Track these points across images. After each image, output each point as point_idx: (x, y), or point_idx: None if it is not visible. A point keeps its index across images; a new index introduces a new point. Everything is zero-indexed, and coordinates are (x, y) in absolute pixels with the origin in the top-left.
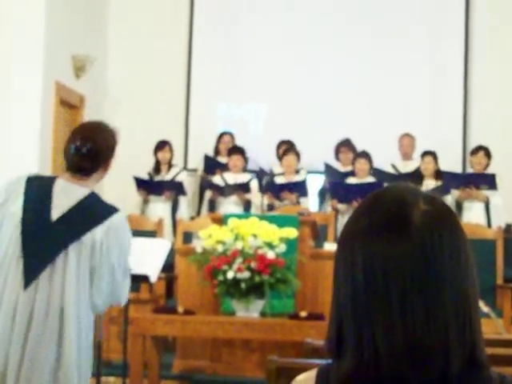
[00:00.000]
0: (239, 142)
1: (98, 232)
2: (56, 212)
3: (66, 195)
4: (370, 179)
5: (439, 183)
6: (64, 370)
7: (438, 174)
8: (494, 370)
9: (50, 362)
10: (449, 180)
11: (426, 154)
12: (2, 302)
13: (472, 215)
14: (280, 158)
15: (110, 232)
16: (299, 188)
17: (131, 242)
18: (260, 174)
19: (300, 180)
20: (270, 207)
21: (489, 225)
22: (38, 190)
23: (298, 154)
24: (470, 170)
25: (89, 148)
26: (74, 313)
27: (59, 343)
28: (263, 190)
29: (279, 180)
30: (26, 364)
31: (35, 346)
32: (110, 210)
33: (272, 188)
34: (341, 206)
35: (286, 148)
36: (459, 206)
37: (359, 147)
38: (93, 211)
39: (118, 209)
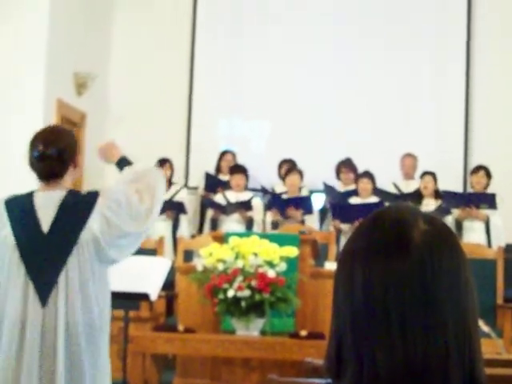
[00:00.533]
0: (241, 160)
1: (94, 223)
2: (45, 224)
3: (47, 205)
4: (373, 199)
5: (439, 203)
6: None
7: (438, 194)
8: None
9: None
10: (449, 199)
11: (425, 174)
12: (8, 323)
13: (472, 235)
14: (282, 177)
15: (105, 206)
16: (305, 204)
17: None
18: (264, 191)
19: (306, 196)
20: (275, 225)
21: (489, 244)
22: (20, 209)
23: (301, 173)
24: (470, 190)
25: (52, 150)
26: (83, 326)
27: (71, 362)
28: (267, 206)
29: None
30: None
31: (49, 367)
32: (92, 197)
33: (277, 203)
34: (344, 226)
35: (289, 167)
36: (459, 225)
37: (361, 166)
38: (77, 207)
39: (98, 191)
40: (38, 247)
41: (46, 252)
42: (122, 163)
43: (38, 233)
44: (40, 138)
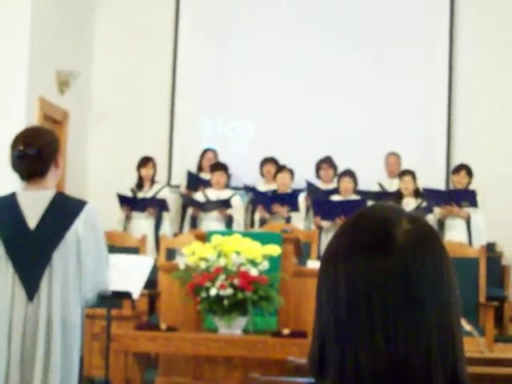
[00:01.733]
0: (223, 159)
1: (79, 226)
2: (32, 221)
3: (34, 204)
4: (355, 197)
5: (419, 201)
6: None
7: (418, 193)
8: None
9: (39, 374)
10: (430, 197)
11: (404, 173)
12: (2, 319)
13: (454, 233)
14: (263, 174)
15: (88, 225)
16: (290, 201)
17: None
18: (247, 190)
19: (291, 192)
20: (262, 222)
21: (470, 243)
22: (4, 208)
23: (291, 172)
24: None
25: (32, 149)
26: (60, 321)
27: (46, 354)
28: (252, 204)
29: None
30: (23, 375)
31: (29, 358)
32: (81, 204)
33: (263, 200)
34: (325, 223)
35: (280, 166)
36: (441, 224)
37: (344, 165)
38: (66, 209)
39: (86, 201)
40: (25, 243)
41: (33, 247)
42: None
43: (24, 229)
44: (20, 138)
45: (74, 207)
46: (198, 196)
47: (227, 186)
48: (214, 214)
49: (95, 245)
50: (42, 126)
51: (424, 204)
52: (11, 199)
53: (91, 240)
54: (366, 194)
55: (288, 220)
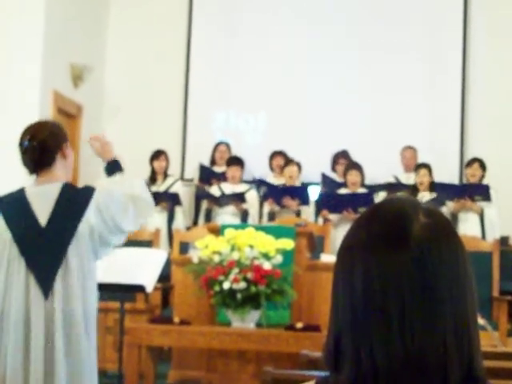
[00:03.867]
0: (236, 152)
1: (90, 216)
2: (42, 217)
3: (42, 198)
4: (362, 190)
5: (434, 195)
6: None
7: (433, 186)
8: (491, 383)
9: (63, 366)
10: (443, 191)
11: (420, 166)
12: (12, 318)
13: (467, 227)
14: (273, 168)
15: (101, 206)
16: (301, 194)
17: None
18: (259, 183)
19: (301, 186)
20: (271, 216)
21: (483, 237)
22: (14, 206)
23: (299, 166)
24: (465, 182)
25: (35, 141)
26: (81, 314)
27: (68, 347)
28: (263, 197)
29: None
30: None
31: (51, 354)
32: (89, 192)
33: (273, 193)
34: (332, 217)
35: (288, 159)
36: (454, 217)
37: (357, 159)
38: (75, 200)
39: (94, 187)
40: (37, 240)
41: (46, 245)
42: (114, 167)
43: (35, 226)
44: (25, 133)
45: (82, 197)
46: (214, 190)
47: (242, 180)
48: (230, 208)
49: (122, 206)
50: (47, 120)
51: (438, 197)
52: (20, 196)
53: (110, 223)
54: (379, 187)
55: (298, 213)
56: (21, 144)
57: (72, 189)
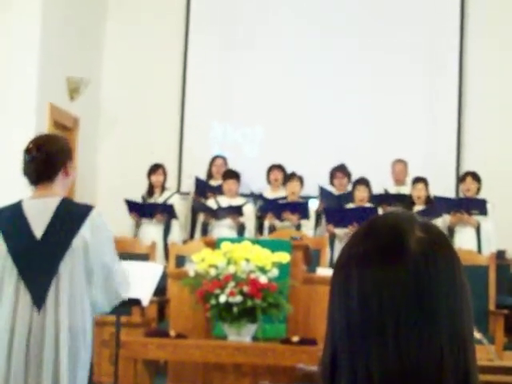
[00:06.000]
0: (233, 165)
1: (86, 232)
2: (38, 230)
3: (40, 211)
4: (367, 205)
5: (427, 207)
6: None
7: (429, 200)
8: None
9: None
10: (440, 205)
11: (417, 180)
12: (3, 332)
13: (463, 240)
14: (270, 182)
15: (95, 230)
16: (301, 209)
17: (111, 234)
18: (255, 197)
19: (302, 201)
20: (271, 229)
21: (479, 250)
22: (10, 218)
23: (301, 180)
24: (462, 196)
25: (41, 153)
26: (67, 330)
27: (55, 364)
28: (262, 210)
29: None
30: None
31: (35, 370)
32: (87, 209)
33: (273, 207)
34: (338, 231)
35: (290, 174)
36: (451, 231)
37: (354, 171)
38: (71, 215)
39: (93, 206)
40: (31, 253)
41: (40, 257)
42: None
43: (30, 239)
44: (32, 143)
45: (79, 213)
46: (210, 203)
47: (238, 193)
48: (226, 221)
49: (107, 251)
50: (55, 134)
51: (429, 208)
52: (17, 208)
53: (101, 247)
54: (375, 198)
55: (298, 227)
56: (27, 151)
57: (70, 204)
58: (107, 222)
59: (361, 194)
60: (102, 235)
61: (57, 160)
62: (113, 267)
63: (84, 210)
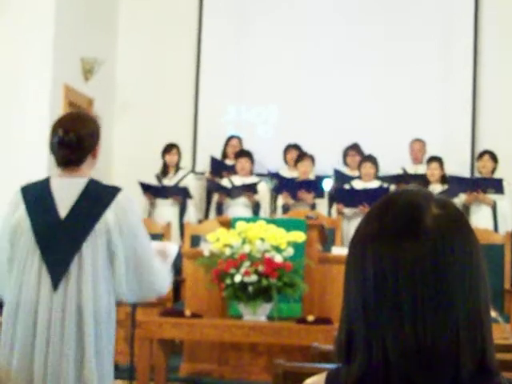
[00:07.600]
0: (248, 145)
1: (109, 216)
2: (63, 209)
3: (66, 191)
4: (376, 183)
5: (445, 187)
6: (85, 373)
7: (444, 179)
8: (503, 375)
9: (72, 365)
10: (456, 184)
11: (432, 159)
12: (23, 308)
13: (479, 219)
14: (287, 161)
15: (120, 213)
16: (316, 187)
17: (140, 218)
18: (271, 175)
19: (317, 179)
20: (286, 208)
21: (495, 229)
22: (37, 195)
23: (312, 160)
24: (477, 175)
25: (72, 137)
26: (91, 312)
27: (78, 345)
28: (277, 189)
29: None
30: (50, 367)
31: (57, 349)
32: (114, 191)
33: (289, 186)
34: (347, 211)
35: (301, 153)
36: (467, 210)
37: (369, 151)
38: (97, 197)
39: (121, 188)
40: (54, 232)
41: (62, 237)
42: None
43: (54, 218)
44: (61, 123)
45: (105, 196)
46: (224, 182)
47: (251, 172)
48: (241, 200)
49: (128, 235)
50: (85, 112)
51: (449, 189)
52: (44, 185)
53: (124, 229)
54: (391, 179)
55: (313, 206)
56: (54, 134)
57: (97, 186)
58: (133, 202)
59: (367, 170)
60: (128, 219)
61: (87, 145)
62: (144, 256)
63: (110, 194)
